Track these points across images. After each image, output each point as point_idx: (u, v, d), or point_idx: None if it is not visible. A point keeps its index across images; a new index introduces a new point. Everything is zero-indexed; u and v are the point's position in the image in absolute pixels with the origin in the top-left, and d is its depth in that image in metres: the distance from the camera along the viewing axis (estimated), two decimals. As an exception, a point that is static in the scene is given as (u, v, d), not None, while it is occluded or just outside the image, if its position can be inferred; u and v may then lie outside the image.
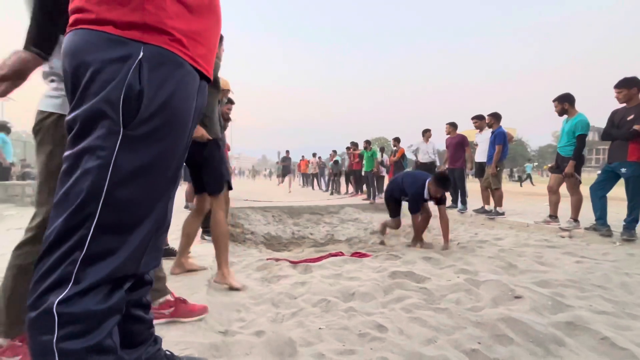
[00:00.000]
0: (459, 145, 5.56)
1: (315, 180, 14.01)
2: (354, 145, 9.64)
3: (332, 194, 10.49)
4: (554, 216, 4.12)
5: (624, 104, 3.36)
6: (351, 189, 10.34)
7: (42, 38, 0.93)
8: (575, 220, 3.81)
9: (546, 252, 2.84)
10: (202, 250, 2.81)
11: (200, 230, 3.32)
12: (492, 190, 4.91)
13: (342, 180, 10.98)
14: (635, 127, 3.13)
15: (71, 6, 0.66)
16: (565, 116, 3.88)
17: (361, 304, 1.76)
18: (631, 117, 3.23)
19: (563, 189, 3.99)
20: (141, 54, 0.63)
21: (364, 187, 9.12)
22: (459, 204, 5.59)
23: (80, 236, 0.61)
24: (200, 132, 1.85)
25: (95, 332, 0.61)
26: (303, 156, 16.51)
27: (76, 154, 0.62)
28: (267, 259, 2.83)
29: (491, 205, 5.06)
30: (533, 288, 1.84)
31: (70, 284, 0.60)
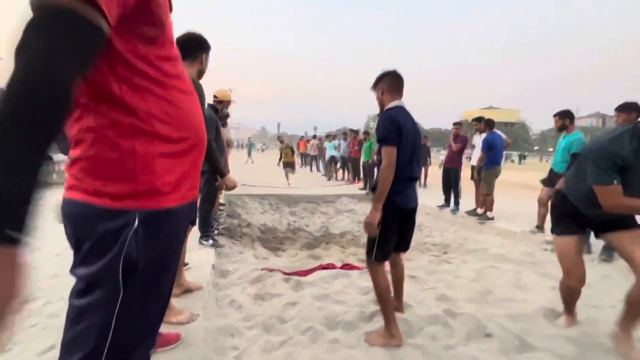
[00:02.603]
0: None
1: (314, 162, 14.07)
2: (355, 132, 9.61)
3: (329, 179, 10.61)
4: (540, 227, 4.26)
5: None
6: (348, 175, 10.43)
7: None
8: (560, 233, 3.96)
9: (525, 273, 3.00)
10: (199, 258, 2.93)
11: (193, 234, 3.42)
12: (483, 195, 5.02)
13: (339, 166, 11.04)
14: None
15: (70, 170, 0.69)
16: (563, 132, 3.89)
17: (345, 335, 1.92)
18: (626, 141, 3.26)
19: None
20: (136, 222, 0.68)
21: (361, 175, 9.22)
22: (452, 204, 5.72)
23: None
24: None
25: None
26: (302, 136, 16.44)
27: (81, 307, 0.69)
28: (262, 269, 2.98)
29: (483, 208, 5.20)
30: (504, 324, 2.00)
31: None
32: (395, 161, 1.76)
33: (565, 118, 3.82)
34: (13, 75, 0.46)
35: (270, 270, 2.97)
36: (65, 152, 2.01)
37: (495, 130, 5.02)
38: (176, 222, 0.79)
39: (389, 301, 1.86)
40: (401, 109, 1.90)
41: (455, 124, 5.73)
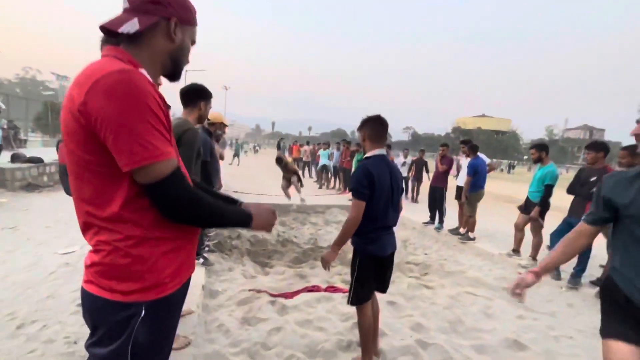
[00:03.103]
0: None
1: (306, 167, 14.22)
2: (347, 143, 9.82)
3: (320, 187, 10.78)
4: (517, 251, 4.51)
5: (591, 165, 3.63)
6: (339, 185, 10.61)
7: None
8: (534, 259, 4.22)
9: (496, 300, 3.21)
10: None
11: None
12: (466, 216, 5.25)
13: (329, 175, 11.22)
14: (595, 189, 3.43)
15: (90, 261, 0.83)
16: (539, 164, 4.14)
17: (324, 364, 2.08)
18: (594, 178, 3.52)
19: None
20: (143, 312, 0.83)
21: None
22: (437, 222, 5.95)
23: None
24: None
25: None
26: (296, 141, 16.60)
27: None
28: (249, 290, 3.12)
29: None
30: (469, 355, 2.20)
31: None
32: (367, 212, 1.84)
33: (541, 151, 4.07)
34: (188, 204, 0.83)
35: (258, 291, 3.12)
36: (69, 193, 2.13)
37: (479, 154, 5.27)
38: (175, 302, 0.94)
39: (370, 338, 2.00)
40: (379, 159, 1.93)
41: (442, 145, 5.98)
